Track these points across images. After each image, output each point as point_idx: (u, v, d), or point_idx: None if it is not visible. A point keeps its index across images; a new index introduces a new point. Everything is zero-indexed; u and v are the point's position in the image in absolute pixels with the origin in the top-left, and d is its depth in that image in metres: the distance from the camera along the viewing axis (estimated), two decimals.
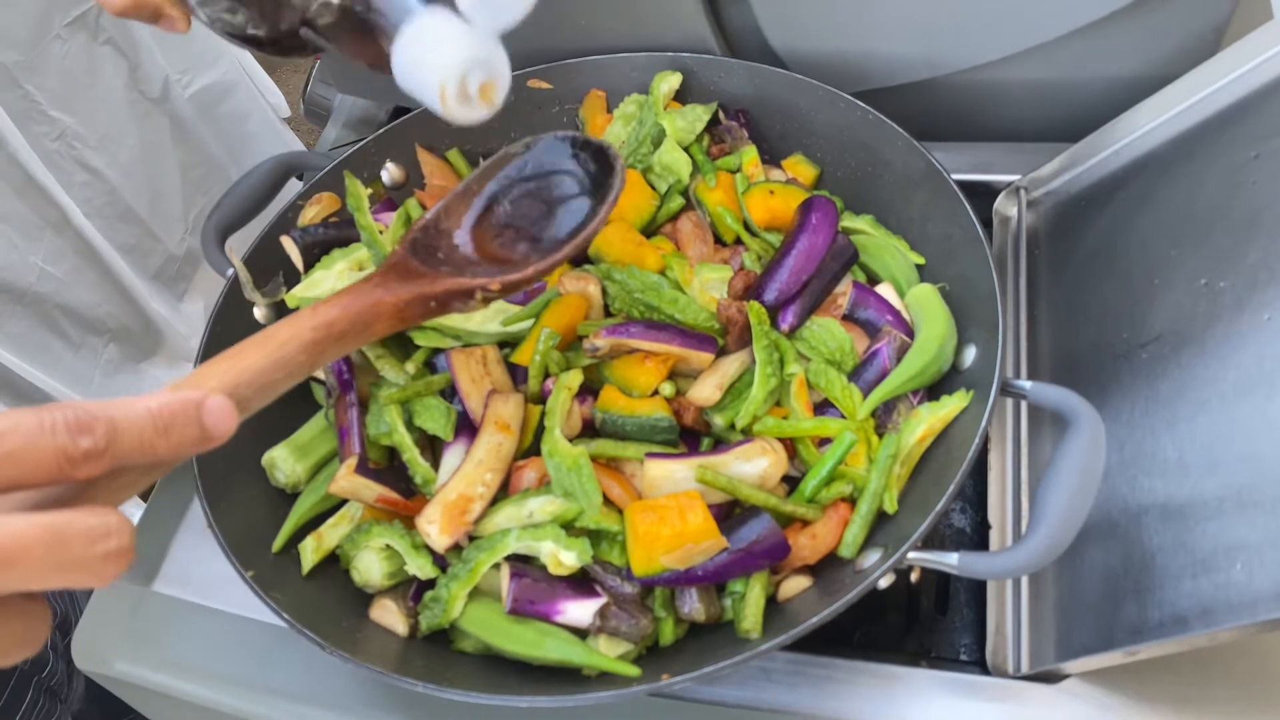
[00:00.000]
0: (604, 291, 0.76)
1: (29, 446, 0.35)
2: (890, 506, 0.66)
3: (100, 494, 0.39)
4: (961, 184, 0.76)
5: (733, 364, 0.72)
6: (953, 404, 0.68)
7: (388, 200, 0.90)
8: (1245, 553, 0.57)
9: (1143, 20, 0.83)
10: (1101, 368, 0.74)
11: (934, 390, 0.72)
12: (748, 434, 0.70)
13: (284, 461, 0.75)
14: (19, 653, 0.37)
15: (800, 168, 0.87)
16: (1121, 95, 0.84)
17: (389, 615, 0.68)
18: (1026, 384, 0.66)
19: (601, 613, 0.64)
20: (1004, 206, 0.91)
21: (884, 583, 0.62)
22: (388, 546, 0.70)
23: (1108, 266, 0.79)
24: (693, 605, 0.65)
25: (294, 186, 0.91)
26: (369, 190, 0.84)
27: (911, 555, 0.61)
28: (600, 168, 0.66)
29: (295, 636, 0.64)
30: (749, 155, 0.85)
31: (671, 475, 0.67)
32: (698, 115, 0.87)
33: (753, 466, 0.67)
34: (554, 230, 0.64)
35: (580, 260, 0.79)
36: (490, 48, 0.54)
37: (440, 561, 0.69)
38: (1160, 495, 0.65)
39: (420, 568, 0.68)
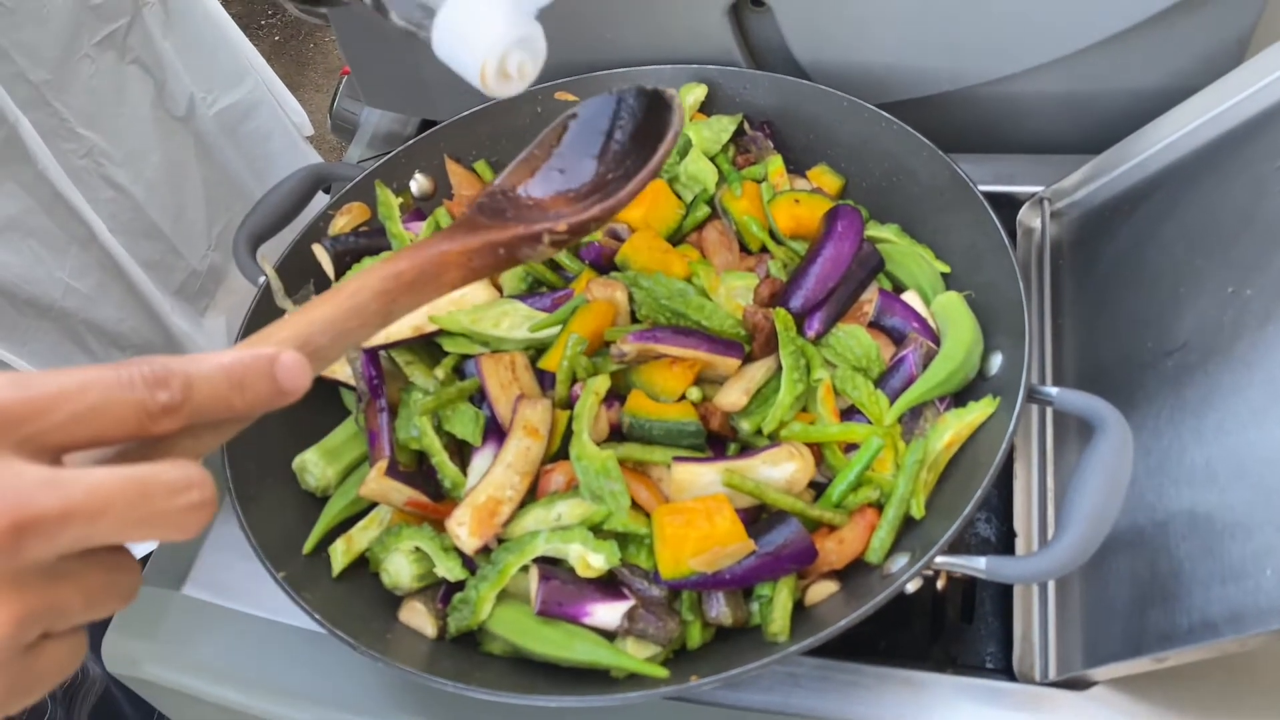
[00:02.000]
0: (631, 298, 0.77)
1: (108, 401, 0.35)
2: (918, 512, 0.67)
3: (175, 448, 0.39)
4: (985, 195, 0.77)
5: (759, 370, 0.73)
6: (979, 410, 0.68)
7: (416, 211, 0.91)
8: (1275, 558, 0.57)
9: (1165, 32, 0.84)
10: (1127, 376, 0.75)
11: (960, 397, 0.73)
12: (774, 439, 0.71)
13: (314, 465, 0.76)
14: (115, 604, 0.37)
15: (825, 178, 0.88)
16: (1145, 107, 0.84)
17: (418, 617, 0.69)
18: (1053, 390, 0.67)
19: (629, 615, 0.64)
20: (1028, 218, 0.92)
21: (911, 587, 0.62)
22: (417, 549, 0.70)
23: (1132, 276, 0.80)
24: (720, 609, 0.66)
25: (321, 201, 0.92)
26: (398, 200, 0.85)
27: (939, 560, 0.62)
28: (657, 111, 0.66)
29: (324, 640, 0.64)
30: (774, 165, 0.86)
31: (699, 479, 0.67)
32: (723, 126, 0.88)
33: (780, 471, 0.67)
34: (616, 174, 0.64)
35: (607, 267, 0.80)
36: (530, 26, 0.57)
37: (469, 564, 0.69)
38: (1188, 502, 0.65)
39: (449, 570, 0.68)
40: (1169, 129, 0.82)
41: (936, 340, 0.75)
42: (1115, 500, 0.60)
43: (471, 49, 0.56)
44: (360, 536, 0.73)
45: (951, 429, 0.68)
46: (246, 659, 0.78)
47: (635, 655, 0.64)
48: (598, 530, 0.67)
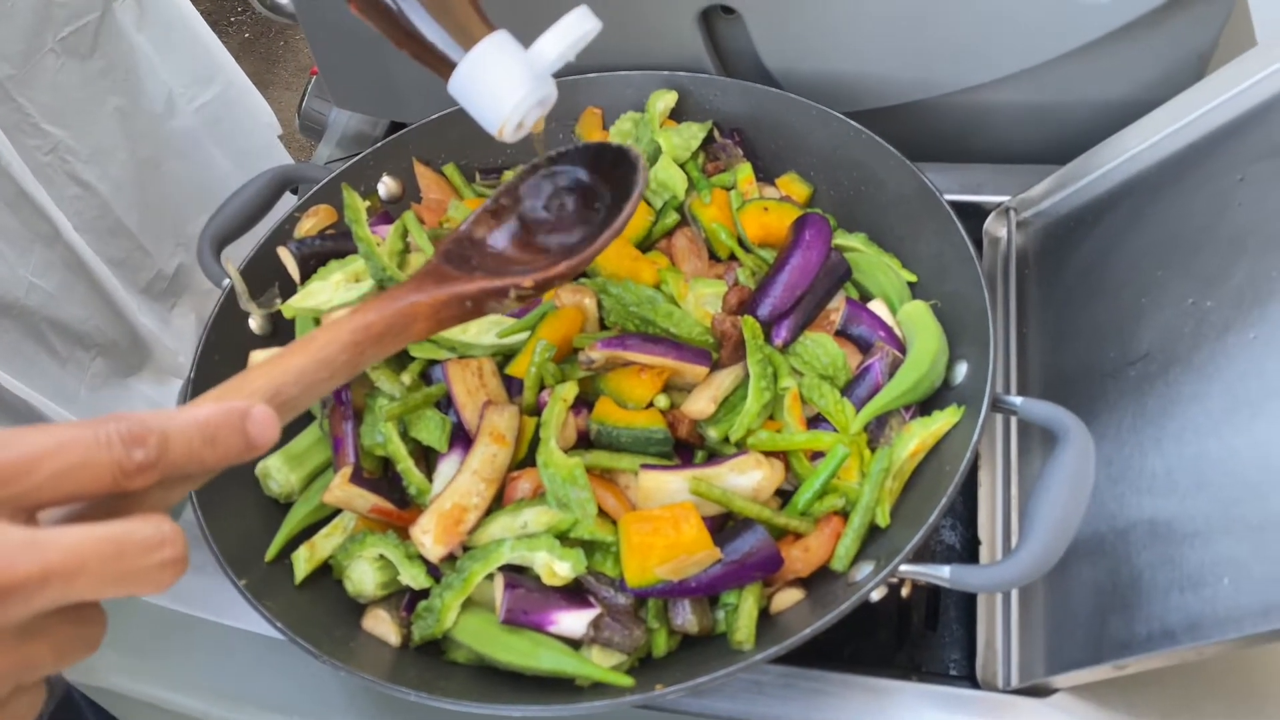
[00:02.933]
0: (599, 305, 0.77)
1: (86, 461, 0.36)
2: (882, 520, 0.67)
3: (146, 501, 0.39)
4: (952, 204, 0.78)
5: (727, 378, 0.73)
6: (944, 419, 0.69)
7: (384, 214, 0.90)
8: (1232, 568, 0.58)
9: (1130, 45, 0.85)
10: (1090, 386, 0.75)
11: (926, 406, 0.73)
12: (741, 447, 0.71)
13: (278, 471, 0.75)
14: (82, 655, 0.38)
15: (794, 186, 0.88)
16: (1110, 118, 0.85)
17: (382, 625, 0.68)
18: (1017, 400, 0.67)
19: (595, 623, 0.64)
20: (994, 227, 0.93)
21: (876, 595, 0.62)
22: (381, 556, 0.70)
23: (1096, 286, 0.81)
24: (686, 617, 0.66)
25: (288, 202, 0.91)
26: (366, 203, 0.85)
27: (904, 568, 0.62)
28: (622, 170, 0.67)
29: (287, 648, 0.64)
30: (744, 172, 0.86)
31: (666, 487, 0.67)
32: (693, 133, 0.88)
33: (747, 479, 0.68)
34: (581, 230, 0.66)
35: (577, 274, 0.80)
36: (549, 86, 0.61)
37: (434, 572, 0.69)
38: (1148, 511, 0.66)
39: (414, 578, 0.68)
40: (1133, 141, 0.83)
41: (902, 349, 0.75)
42: (1078, 510, 0.61)
43: (495, 106, 0.60)
44: (323, 544, 0.73)
45: (917, 437, 0.69)
46: (208, 667, 0.77)
47: (600, 663, 0.64)
48: (564, 538, 0.66)
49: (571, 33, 0.60)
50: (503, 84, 0.60)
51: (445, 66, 0.61)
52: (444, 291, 0.60)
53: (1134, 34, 0.83)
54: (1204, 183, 0.76)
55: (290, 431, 0.79)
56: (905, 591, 0.78)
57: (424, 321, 0.59)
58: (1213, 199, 0.74)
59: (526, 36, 0.61)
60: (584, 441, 0.73)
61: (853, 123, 0.84)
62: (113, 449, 0.36)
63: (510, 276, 0.62)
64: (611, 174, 0.68)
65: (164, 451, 0.38)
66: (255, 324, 0.84)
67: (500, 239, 0.67)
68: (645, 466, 0.68)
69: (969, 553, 0.80)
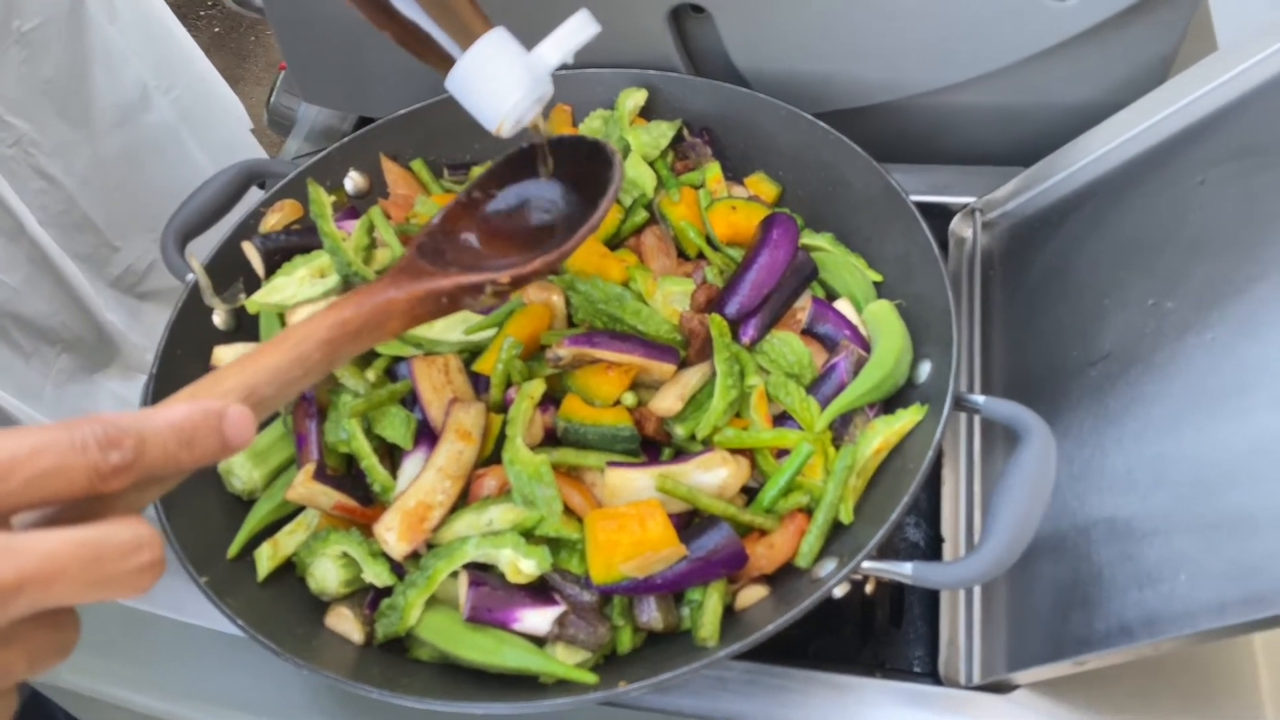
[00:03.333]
0: (567, 302, 0.77)
1: (62, 465, 0.35)
2: (846, 517, 0.67)
3: (121, 503, 0.39)
4: (919, 205, 0.78)
5: (694, 375, 0.73)
6: (908, 417, 0.69)
7: (350, 209, 0.90)
8: (1189, 565, 0.59)
9: (1094, 49, 0.86)
10: (1053, 385, 0.76)
11: (890, 404, 0.74)
12: (708, 444, 0.71)
13: (240, 468, 0.75)
14: (55, 661, 0.37)
15: (762, 185, 0.89)
16: (1075, 121, 0.86)
17: (345, 623, 0.68)
18: (980, 399, 0.68)
19: (560, 621, 0.64)
20: (960, 228, 0.93)
21: (839, 592, 0.62)
22: (344, 554, 0.69)
23: (1060, 287, 0.81)
24: (651, 614, 0.66)
25: (255, 196, 0.91)
26: (332, 198, 0.84)
27: (866, 565, 0.62)
28: (598, 165, 0.67)
29: (249, 645, 0.63)
30: (712, 171, 0.86)
31: (632, 484, 0.67)
32: (662, 131, 0.88)
33: (712, 476, 0.68)
34: (557, 226, 0.66)
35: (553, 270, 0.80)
36: (547, 85, 0.62)
37: (398, 569, 0.68)
38: (1108, 509, 0.66)
39: (377, 575, 0.68)
40: (1097, 143, 0.84)
41: (867, 348, 0.76)
42: (1039, 507, 0.62)
43: (495, 104, 0.61)
44: (287, 541, 0.72)
45: (880, 435, 0.69)
46: (169, 666, 0.77)
47: (565, 661, 0.64)
48: (529, 535, 0.66)
49: (573, 39, 0.62)
50: (503, 83, 0.61)
51: (443, 63, 0.61)
52: (420, 287, 0.60)
53: (1098, 37, 0.84)
54: (1166, 185, 0.77)
55: None
56: (869, 589, 0.78)
57: (400, 318, 0.59)
58: (1174, 201, 0.75)
59: (521, 27, 0.62)
60: (550, 439, 0.73)
61: (821, 123, 0.85)
62: (89, 452, 0.36)
63: (486, 272, 0.61)
64: (587, 169, 0.68)
65: (140, 454, 0.38)
66: (219, 319, 0.83)
67: (473, 233, 0.67)
68: (612, 464, 0.68)
69: (933, 550, 0.81)
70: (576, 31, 0.62)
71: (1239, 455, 0.59)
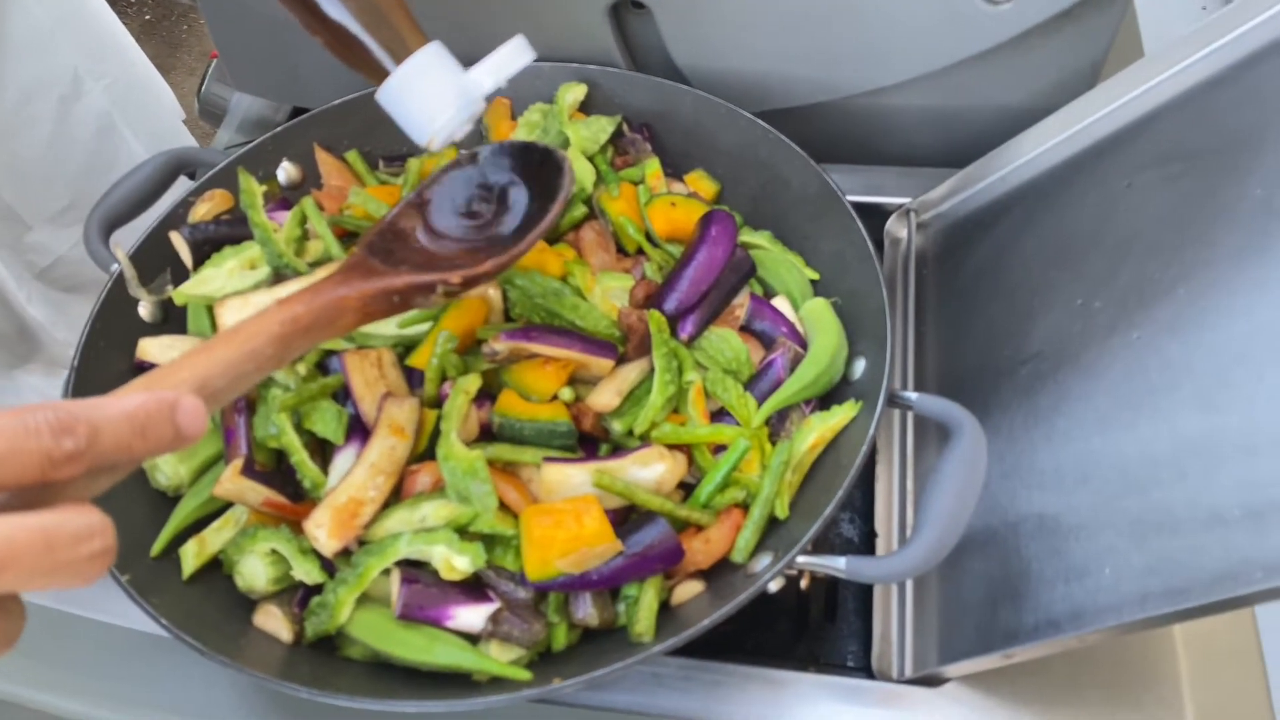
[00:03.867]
0: (505, 296, 0.76)
1: (14, 450, 0.35)
2: (782, 512, 0.68)
3: (71, 491, 0.39)
4: (855, 205, 0.79)
5: (632, 371, 0.73)
6: (842, 413, 0.70)
7: (283, 200, 0.88)
8: (1114, 558, 0.60)
9: (1026, 54, 0.87)
10: (984, 383, 0.77)
11: (825, 400, 0.74)
12: (645, 440, 0.71)
13: (165, 463, 0.73)
14: (1, 649, 0.37)
15: (702, 183, 0.89)
16: (1007, 124, 0.88)
17: (273, 621, 0.66)
18: (913, 395, 0.69)
19: (494, 618, 0.64)
20: (895, 228, 0.95)
21: (774, 586, 0.63)
22: (273, 551, 0.68)
23: (992, 287, 0.83)
24: (586, 610, 0.65)
25: (184, 186, 0.88)
26: (264, 189, 0.82)
27: (801, 559, 0.63)
28: (548, 170, 0.69)
29: (174, 646, 0.61)
30: (652, 167, 0.86)
31: (569, 480, 0.67)
32: (601, 126, 0.88)
33: (649, 472, 0.68)
34: (508, 229, 0.67)
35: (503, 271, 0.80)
36: (480, 105, 0.63)
37: (328, 567, 0.67)
38: (1037, 506, 0.68)
39: (307, 573, 0.66)
40: (1028, 146, 0.86)
41: (804, 345, 0.76)
42: (969, 501, 0.62)
43: (426, 120, 0.62)
44: (214, 538, 0.70)
45: (816, 431, 0.69)
46: (90, 667, 0.74)
47: (499, 658, 0.63)
48: (464, 532, 0.65)
49: (508, 65, 0.63)
50: (436, 100, 0.62)
51: (376, 74, 0.62)
52: (372, 286, 0.60)
53: (1030, 43, 0.86)
54: (1093, 188, 0.79)
55: None
56: (804, 584, 0.79)
57: (352, 315, 0.59)
58: (1101, 204, 0.77)
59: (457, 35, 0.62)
60: (486, 434, 0.72)
61: (760, 122, 0.85)
62: (41, 438, 0.36)
63: (437, 272, 0.62)
64: (537, 173, 0.69)
65: (93, 442, 0.37)
66: (145, 311, 0.81)
67: (426, 232, 0.67)
68: (548, 460, 0.68)
69: (867, 546, 0.82)
70: (512, 58, 0.63)
71: (1163, 452, 0.61)
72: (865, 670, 0.74)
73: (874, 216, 0.93)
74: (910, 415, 0.83)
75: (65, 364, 1.39)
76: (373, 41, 0.61)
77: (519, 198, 0.69)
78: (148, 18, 3.11)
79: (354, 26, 0.61)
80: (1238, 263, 0.62)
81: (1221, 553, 0.54)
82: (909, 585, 0.74)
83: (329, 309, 0.58)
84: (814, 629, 0.81)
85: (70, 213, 1.36)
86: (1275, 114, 0.67)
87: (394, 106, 0.63)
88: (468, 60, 0.91)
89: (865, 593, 0.78)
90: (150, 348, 0.77)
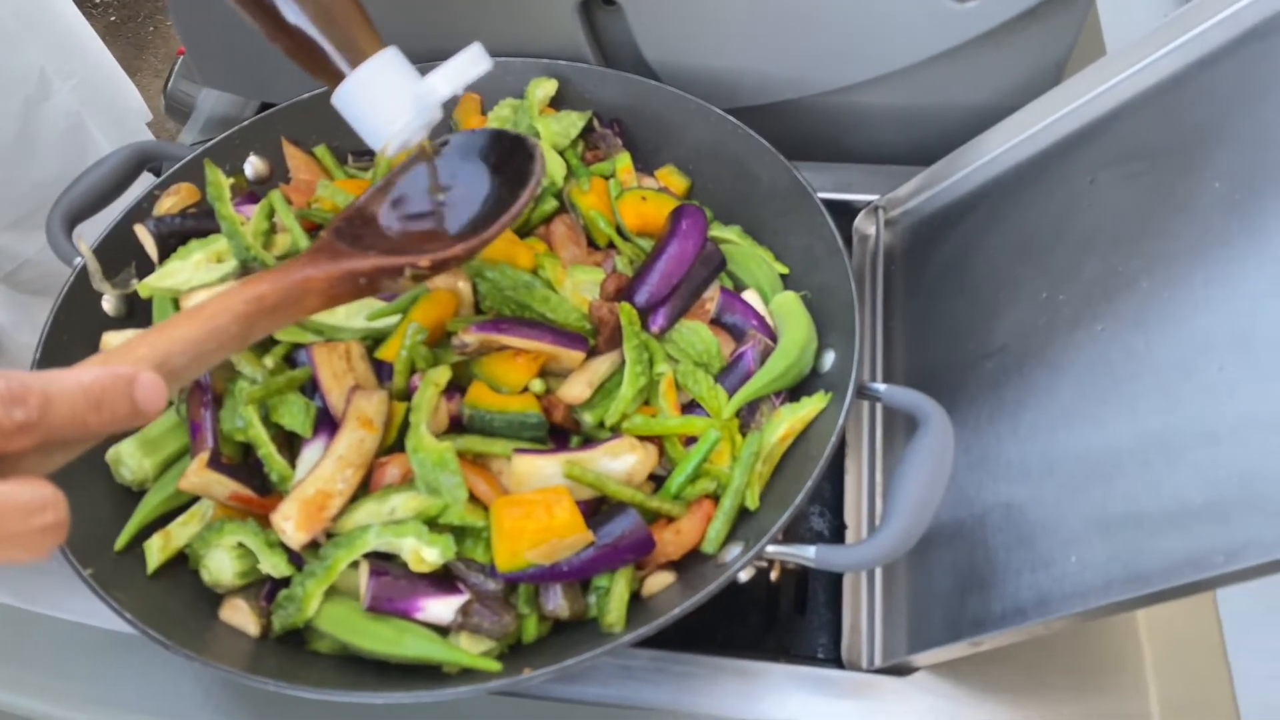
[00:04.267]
0: (475, 289, 0.76)
1: None
2: (752, 503, 0.68)
3: (22, 465, 0.38)
4: (825, 202, 0.79)
5: (603, 363, 0.73)
6: (812, 405, 0.70)
7: (250, 194, 0.87)
8: (1078, 546, 0.61)
9: (991, 53, 0.89)
10: (951, 377, 0.78)
11: (795, 392, 0.75)
12: (616, 431, 0.71)
13: (130, 457, 0.72)
14: None
15: (672, 179, 0.89)
16: (973, 122, 0.89)
17: (240, 615, 0.66)
18: (881, 387, 0.69)
19: (464, 609, 0.63)
20: (864, 225, 0.95)
21: (744, 576, 0.63)
22: (240, 545, 0.67)
23: (958, 282, 0.84)
24: (557, 602, 0.65)
25: (148, 182, 0.87)
26: (230, 181, 0.82)
27: (770, 549, 0.63)
28: (519, 158, 0.69)
29: (138, 643, 0.61)
30: (623, 162, 0.86)
31: (539, 471, 0.66)
32: (572, 121, 0.88)
33: (620, 463, 0.68)
34: (479, 215, 0.66)
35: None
36: (436, 111, 0.63)
37: (296, 560, 0.67)
38: (1004, 497, 0.68)
39: (275, 566, 0.66)
40: (993, 144, 0.87)
41: (774, 338, 0.77)
42: (937, 490, 0.63)
43: (382, 126, 0.62)
44: (179, 532, 0.69)
45: (786, 422, 0.70)
46: (50, 665, 0.73)
47: (469, 650, 0.63)
48: (433, 524, 0.65)
49: (465, 73, 0.63)
50: (392, 105, 0.62)
51: (334, 79, 0.62)
52: (338, 267, 0.60)
53: (995, 41, 0.87)
54: (1057, 185, 0.80)
55: None
56: (774, 575, 0.79)
57: (317, 296, 0.59)
58: (1065, 200, 0.78)
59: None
60: (456, 427, 0.72)
61: (730, 118, 0.86)
62: None
63: (405, 256, 0.62)
64: (508, 161, 0.69)
65: (46, 412, 0.37)
66: (109, 305, 0.80)
67: (392, 218, 0.67)
68: (519, 451, 0.68)
69: (837, 539, 0.82)
70: (469, 66, 0.63)
71: (1126, 443, 0.62)
72: (835, 661, 0.74)
73: (843, 213, 0.94)
74: (879, 410, 0.84)
75: (26, 367, 1.37)
76: (330, 46, 0.61)
77: (490, 185, 0.69)
78: (113, 19, 3.08)
79: (312, 31, 0.61)
80: (1198, 255, 0.63)
81: (1183, 539, 0.55)
82: (878, 576, 0.74)
83: (294, 289, 0.57)
84: (784, 621, 0.81)
85: (37, 215, 1.33)
86: (1231, 111, 0.68)
87: (349, 110, 0.63)
88: (439, 55, 0.91)
89: (835, 585, 0.79)
90: (114, 341, 0.76)
